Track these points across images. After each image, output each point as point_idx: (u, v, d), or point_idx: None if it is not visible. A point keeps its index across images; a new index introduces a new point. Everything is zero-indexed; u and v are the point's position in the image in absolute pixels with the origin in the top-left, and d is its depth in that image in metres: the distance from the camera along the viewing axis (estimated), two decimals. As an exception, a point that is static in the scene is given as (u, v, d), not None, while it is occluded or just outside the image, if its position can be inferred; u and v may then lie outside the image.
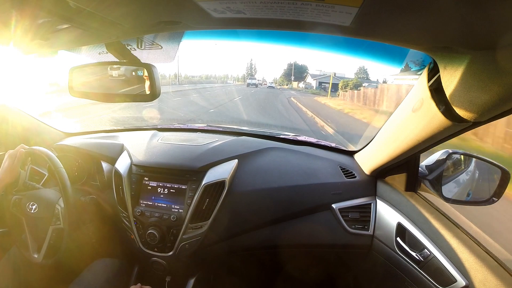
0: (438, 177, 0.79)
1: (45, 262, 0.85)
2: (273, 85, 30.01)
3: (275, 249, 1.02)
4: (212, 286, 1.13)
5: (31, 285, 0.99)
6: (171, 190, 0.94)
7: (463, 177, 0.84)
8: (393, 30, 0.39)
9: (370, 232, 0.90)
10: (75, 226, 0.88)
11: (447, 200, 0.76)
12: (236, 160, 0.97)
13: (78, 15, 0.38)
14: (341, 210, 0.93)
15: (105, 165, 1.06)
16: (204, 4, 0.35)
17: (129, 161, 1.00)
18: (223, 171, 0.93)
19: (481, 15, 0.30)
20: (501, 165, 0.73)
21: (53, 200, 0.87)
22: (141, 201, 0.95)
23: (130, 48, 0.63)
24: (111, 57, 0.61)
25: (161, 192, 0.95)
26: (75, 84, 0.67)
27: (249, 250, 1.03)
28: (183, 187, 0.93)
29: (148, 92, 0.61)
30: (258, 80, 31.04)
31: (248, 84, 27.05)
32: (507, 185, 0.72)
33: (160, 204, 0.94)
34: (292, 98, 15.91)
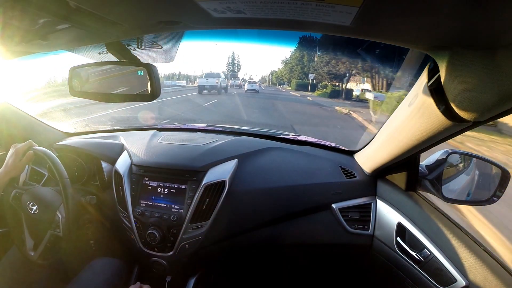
0: (438, 176, 0.79)
1: (40, 262, 0.85)
2: (256, 87, 16.10)
3: (275, 249, 1.02)
4: (212, 286, 1.13)
5: (31, 285, 0.99)
6: (171, 190, 0.94)
7: (463, 177, 0.84)
8: (393, 30, 0.39)
9: (370, 232, 0.90)
10: (74, 227, 0.88)
11: (447, 200, 0.76)
12: (236, 160, 0.97)
13: (78, 15, 0.38)
14: (341, 210, 0.93)
15: (105, 165, 1.06)
16: (204, 4, 0.35)
17: (129, 161, 1.00)
18: (223, 171, 0.93)
19: (481, 15, 0.30)
20: (501, 165, 0.73)
21: (54, 205, 0.87)
22: (141, 201, 0.95)
23: (130, 48, 0.63)
24: (111, 57, 0.61)
25: (161, 192, 0.95)
26: (75, 84, 0.67)
27: (249, 250, 1.03)
28: (183, 187, 0.93)
29: (148, 92, 0.61)
30: (223, 78, 14.99)
31: (202, 89, 13.56)
32: (507, 184, 0.72)
33: (160, 204, 0.94)
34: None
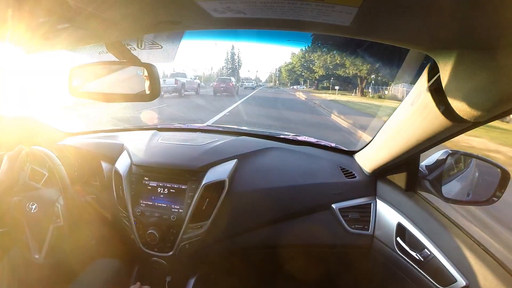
0: (438, 177, 0.79)
1: (46, 262, 0.85)
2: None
3: (275, 249, 1.02)
4: (212, 286, 1.13)
5: (31, 285, 0.99)
6: (171, 190, 0.94)
7: (463, 177, 0.84)
8: (393, 30, 0.40)
9: (370, 232, 0.90)
10: (75, 225, 0.88)
11: (447, 200, 0.76)
12: (236, 160, 0.97)
13: (78, 15, 0.38)
14: (341, 210, 0.93)
15: (105, 165, 1.06)
16: (204, 4, 0.35)
17: (129, 161, 1.00)
18: (223, 171, 0.93)
19: (481, 15, 0.30)
20: (501, 165, 0.73)
21: (53, 198, 0.87)
22: (141, 201, 0.95)
23: (130, 48, 0.63)
24: (111, 57, 0.61)
25: (161, 192, 0.95)
26: (75, 84, 0.67)
27: (249, 250, 1.03)
28: (183, 187, 0.93)
29: (148, 92, 0.61)
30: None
31: None
32: (507, 185, 0.72)
33: (160, 204, 0.94)
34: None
